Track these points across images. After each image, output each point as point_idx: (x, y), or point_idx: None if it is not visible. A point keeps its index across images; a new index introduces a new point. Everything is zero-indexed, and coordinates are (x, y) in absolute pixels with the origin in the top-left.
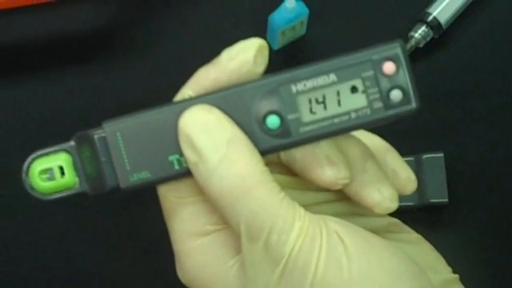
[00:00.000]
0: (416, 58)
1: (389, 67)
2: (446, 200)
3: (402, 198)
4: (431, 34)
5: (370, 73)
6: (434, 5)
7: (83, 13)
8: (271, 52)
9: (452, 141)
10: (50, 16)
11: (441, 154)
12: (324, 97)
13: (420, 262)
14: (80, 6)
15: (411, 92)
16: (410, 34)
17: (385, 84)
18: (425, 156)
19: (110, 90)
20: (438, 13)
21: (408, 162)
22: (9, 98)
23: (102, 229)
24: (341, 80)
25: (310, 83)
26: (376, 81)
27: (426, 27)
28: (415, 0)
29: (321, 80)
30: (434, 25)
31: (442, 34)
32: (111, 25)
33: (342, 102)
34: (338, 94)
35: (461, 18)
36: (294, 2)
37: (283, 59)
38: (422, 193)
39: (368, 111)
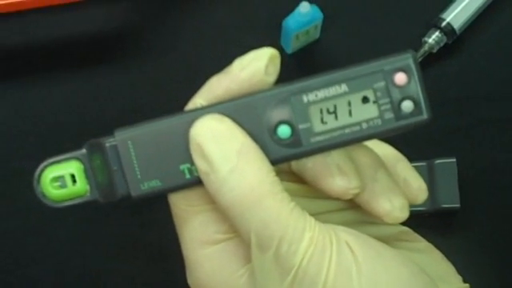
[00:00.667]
0: (429, 63)
1: (400, 78)
2: (458, 205)
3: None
4: (445, 39)
5: (382, 83)
6: (448, 10)
7: (97, 15)
8: (285, 56)
9: (464, 146)
10: (64, 18)
11: (453, 160)
12: (335, 107)
13: (430, 272)
14: (94, 9)
15: (422, 103)
16: (423, 40)
17: (396, 95)
18: (437, 161)
19: (123, 93)
20: (452, 18)
21: (420, 167)
22: (22, 100)
23: (113, 232)
24: (352, 90)
25: (321, 93)
26: (387, 91)
27: (440, 33)
28: (429, 5)
29: (332, 90)
30: (448, 30)
31: (456, 40)
32: (126, 28)
33: (353, 113)
34: (350, 104)
35: (474, 23)
36: (309, 6)
37: (297, 63)
38: (434, 198)
39: (379, 122)
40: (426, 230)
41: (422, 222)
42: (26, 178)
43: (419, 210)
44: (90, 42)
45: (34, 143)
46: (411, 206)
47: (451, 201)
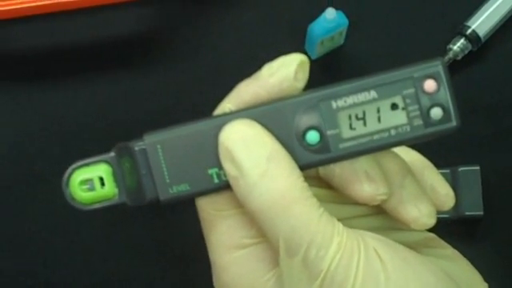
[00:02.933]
0: (454, 70)
1: (430, 85)
2: (482, 213)
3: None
4: (470, 47)
5: (411, 90)
6: (473, 18)
7: (124, 19)
8: (309, 61)
9: (488, 154)
10: (89, 21)
11: (477, 167)
12: (364, 113)
13: (456, 278)
14: (120, 12)
15: (452, 110)
16: (448, 47)
17: (425, 102)
18: (461, 168)
19: (147, 97)
20: (477, 26)
21: (444, 175)
22: (47, 102)
23: (137, 235)
24: (381, 97)
25: (350, 99)
26: (416, 98)
27: (465, 40)
28: (454, 13)
29: (361, 96)
30: (473, 38)
31: (481, 48)
32: (151, 32)
33: (382, 119)
34: (379, 110)
35: (500, 31)
36: (335, 12)
37: (321, 69)
38: (458, 205)
39: (408, 128)
40: (448, 238)
41: (445, 229)
42: (50, 181)
43: (442, 218)
44: (116, 45)
45: (58, 146)
46: (437, 212)
47: (474, 208)
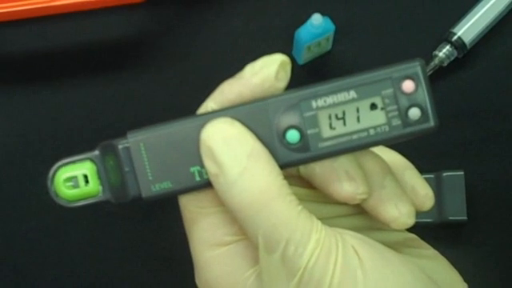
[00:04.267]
0: (439, 77)
1: (408, 85)
2: (465, 218)
3: (421, 214)
4: (455, 53)
5: (390, 90)
6: (459, 25)
7: (115, 23)
8: (296, 67)
9: (473, 160)
10: (82, 24)
11: (461, 172)
12: (344, 113)
13: (436, 278)
14: (111, 15)
15: (429, 110)
16: (434, 53)
17: (404, 102)
18: (445, 173)
19: (138, 99)
20: (463, 33)
21: (428, 179)
22: (40, 104)
23: (125, 236)
24: (361, 97)
25: (330, 99)
26: (395, 98)
27: (451, 47)
28: (441, 19)
29: (341, 96)
30: (459, 44)
31: (466, 54)
32: (142, 35)
33: (361, 119)
34: (358, 110)
35: (485, 38)
36: (321, 18)
37: (308, 74)
38: (441, 210)
39: (386, 128)
40: (432, 242)
41: (428, 233)
42: (42, 181)
43: (426, 222)
44: (108, 48)
45: (50, 147)
46: (418, 215)
47: (458, 213)
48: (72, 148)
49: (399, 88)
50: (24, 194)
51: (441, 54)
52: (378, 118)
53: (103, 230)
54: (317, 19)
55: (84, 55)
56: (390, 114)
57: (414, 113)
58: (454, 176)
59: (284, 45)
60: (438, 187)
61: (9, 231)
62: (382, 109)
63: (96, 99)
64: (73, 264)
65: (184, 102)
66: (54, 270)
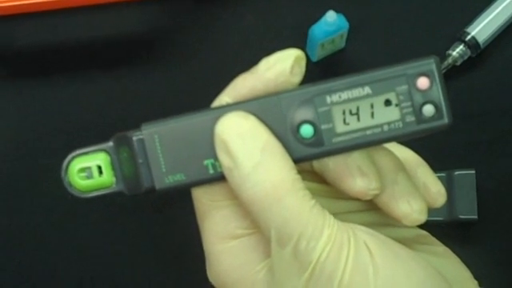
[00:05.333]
0: (452, 76)
1: (423, 82)
2: (476, 217)
3: (431, 212)
4: (469, 52)
5: (404, 87)
6: (473, 24)
7: (126, 18)
8: (310, 64)
9: (485, 159)
10: (92, 19)
11: (472, 171)
12: (358, 108)
13: (447, 275)
14: (123, 11)
15: (444, 108)
16: (447, 52)
17: (418, 98)
18: (456, 172)
19: (149, 95)
20: (477, 32)
21: (439, 178)
22: (51, 98)
23: (134, 230)
24: (375, 93)
25: (344, 95)
26: (409, 95)
27: (464, 46)
28: (455, 19)
29: (355, 92)
30: (472, 44)
31: (480, 54)
32: (153, 30)
33: (375, 115)
34: (372, 106)
35: (499, 38)
36: (335, 15)
37: (321, 71)
38: (452, 208)
39: (400, 124)
40: (442, 240)
41: (439, 231)
42: (53, 175)
43: (437, 220)
44: (119, 43)
45: (61, 141)
46: (429, 212)
47: (469, 212)
48: (83, 143)
49: (414, 85)
50: (35, 188)
51: (454, 54)
52: (392, 114)
53: (113, 225)
54: (331, 16)
55: (95, 50)
56: (404, 111)
57: (428, 110)
58: (466, 175)
59: (296, 42)
60: (449, 186)
61: (19, 225)
62: (397, 105)
63: (107, 94)
64: (83, 257)
65: (194, 98)
66: (63, 263)
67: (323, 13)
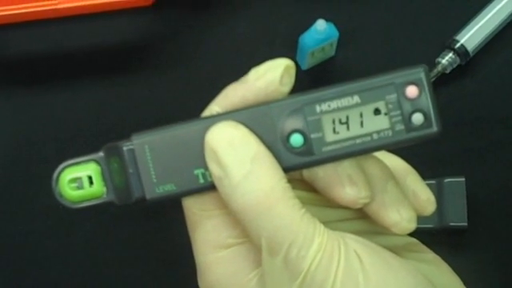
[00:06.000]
0: (442, 84)
1: (412, 91)
2: (466, 224)
3: (421, 219)
4: (458, 60)
5: (393, 96)
6: (462, 32)
7: (120, 25)
8: (300, 72)
9: (475, 167)
10: (86, 28)
11: (462, 179)
12: (347, 117)
13: (437, 283)
14: (117, 19)
15: (433, 116)
16: (437, 60)
17: (407, 107)
18: (446, 180)
19: (143, 102)
20: (466, 40)
21: (429, 186)
22: (44, 107)
23: (127, 238)
24: (364, 102)
25: (334, 104)
26: (399, 104)
27: (453, 54)
28: (444, 27)
29: (345, 101)
30: (462, 52)
31: (469, 62)
32: (146, 38)
33: (364, 124)
34: (361, 115)
35: (488, 46)
36: (325, 24)
37: (311, 79)
38: (442, 216)
39: (390, 133)
40: (433, 248)
41: (429, 239)
42: (45, 183)
43: (427, 228)
44: (112, 51)
45: (53, 149)
46: (419, 220)
47: (459, 219)
48: (76, 151)
49: (403, 93)
50: (27, 196)
51: (444, 61)
52: (381, 123)
53: (105, 233)
54: (321, 25)
55: (89, 58)
56: (394, 119)
57: (418, 118)
58: (455, 182)
59: (288, 50)
60: (439, 193)
61: (11, 232)
62: (386, 114)
63: (100, 102)
64: (75, 266)
65: (188, 105)
66: (55, 271)
67: (314, 21)
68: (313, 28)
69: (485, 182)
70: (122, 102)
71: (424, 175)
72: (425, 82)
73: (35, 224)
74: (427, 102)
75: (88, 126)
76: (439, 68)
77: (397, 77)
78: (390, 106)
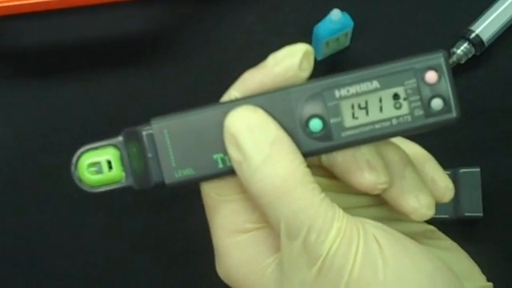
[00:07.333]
0: (457, 74)
1: (431, 76)
2: (481, 214)
3: (437, 209)
4: (473, 51)
5: (413, 81)
6: (477, 22)
7: (131, 17)
8: (315, 62)
9: (490, 157)
10: (97, 19)
11: (477, 169)
12: (366, 103)
13: (455, 269)
14: (128, 11)
15: (452, 101)
16: (452, 50)
17: (426, 92)
18: (461, 170)
19: (154, 94)
20: (481, 30)
21: None
22: (55, 98)
23: (140, 227)
24: (383, 87)
25: (353, 89)
26: (418, 89)
27: (468, 44)
28: (459, 17)
29: (364, 86)
30: (477, 42)
31: (484, 52)
32: (158, 29)
33: (383, 109)
34: (381, 100)
35: (503, 36)
36: (340, 13)
37: (326, 70)
38: (457, 206)
39: (409, 118)
40: (448, 237)
41: (444, 229)
42: (57, 174)
43: (442, 218)
44: (124, 42)
45: (66, 140)
46: (436, 210)
47: (474, 210)
48: (87, 142)
49: (422, 79)
50: (39, 187)
51: (459, 52)
52: (400, 108)
53: (118, 223)
54: (336, 15)
55: (100, 49)
56: (413, 105)
57: (437, 103)
58: (471, 173)
59: (300, 41)
60: (454, 184)
61: (24, 223)
62: (405, 99)
63: (112, 93)
64: (87, 255)
65: (199, 97)
66: (68, 261)
67: (328, 11)
68: (327, 18)
69: (499, 172)
70: (135, 93)
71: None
72: (444, 68)
73: (47, 215)
74: (447, 87)
75: (100, 118)
76: (454, 58)
77: (416, 62)
78: (410, 92)
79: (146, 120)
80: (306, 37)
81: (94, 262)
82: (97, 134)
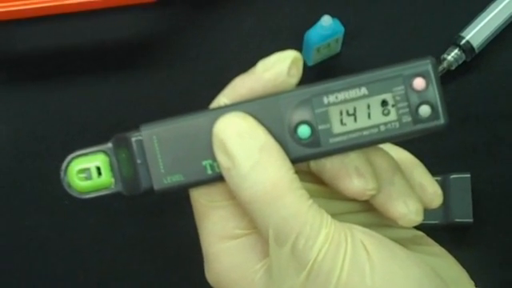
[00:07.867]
0: (448, 80)
1: (419, 83)
2: (471, 220)
3: (427, 215)
4: (464, 57)
5: (401, 88)
6: (468, 29)
7: (126, 21)
8: (305, 68)
9: (480, 163)
10: (92, 24)
11: (467, 175)
12: (355, 109)
13: (443, 275)
14: (122, 16)
15: (440, 108)
16: (442, 56)
17: (414, 99)
18: (452, 176)
19: (149, 98)
20: (471, 37)
21: None
22: (52, 103)
23: (132, 233)
24: (372, 93)
25: (341, 95)
26: (406, 96)
27: (459, 50)
28: (449, 23)
29: (352, 93)
30: (467, 48)
31: (475, 58)
32: (153, 34)
33: (372, 115)
34: (369, 107)
35: (494, 42)
36: (331, 20)
37: (316, 75)
38: (448, 212)
39: (397, 125)
40: (438, 243)
41: (434, 234)
42: (52, 178)
43: (432, 223)
44: (119, 47)
45: (61, 145)
46: (425, 214)
47: (464, 215)
48: (82, 146)
49: (410, 85)
50: (34, 191)
51: (449, 58)
52: (388, 115)
53: (110, 228)
54: (326, 21)
55: (95, 54)
56: (401, 111)
57: (425, 110)
58: (461, 178)
59: (293, 46)
60: (444, 189)
61: (18, 227)
62: (393, 106)
63: (106, 98)
64: (80, 260)
65: (194, 101)
66: (61, 265)
67: (319, 17)
68: (318, 24)
69: (490, 178)
70: (129, 98)
71: (429, 171)
72: (432, 74)
73: (41, 218)
74: (434, 94)
75: (95, 122)
76: (445, 64)
77: (404, 69)
78: (398, 98)
79: (139, 124)
80: (299, 42)
81: (87, 266)
82: (93, 138)
